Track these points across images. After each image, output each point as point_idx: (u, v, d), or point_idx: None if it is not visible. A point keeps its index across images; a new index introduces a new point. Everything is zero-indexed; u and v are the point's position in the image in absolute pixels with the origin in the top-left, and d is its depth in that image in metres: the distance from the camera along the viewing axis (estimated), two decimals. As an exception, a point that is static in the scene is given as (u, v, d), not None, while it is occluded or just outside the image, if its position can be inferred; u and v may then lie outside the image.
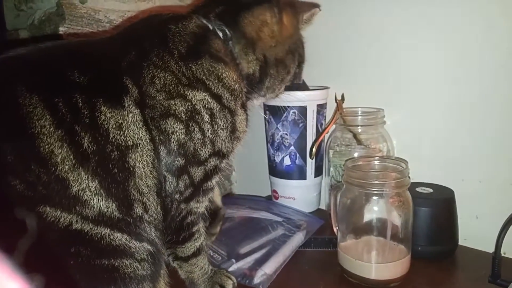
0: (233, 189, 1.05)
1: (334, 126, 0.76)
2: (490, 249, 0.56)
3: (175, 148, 0.46)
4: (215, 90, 0.48)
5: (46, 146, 0.38)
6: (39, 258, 0.36)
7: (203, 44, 0.48)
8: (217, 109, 0.48)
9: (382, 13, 0.73)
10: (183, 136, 0.46)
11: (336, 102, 0.74)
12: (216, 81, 0.48)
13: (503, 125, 0.64)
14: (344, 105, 0.74)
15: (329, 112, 0.80)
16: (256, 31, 0.53)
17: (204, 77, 0.47)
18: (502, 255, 0.56)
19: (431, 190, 0.65)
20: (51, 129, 0.39)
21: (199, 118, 0.47)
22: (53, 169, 0.38)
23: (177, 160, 0.47)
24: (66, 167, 0.39)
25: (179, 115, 0.46)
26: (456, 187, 0.65)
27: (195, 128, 0.47)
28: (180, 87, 0.46)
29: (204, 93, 0.47)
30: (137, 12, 0.80)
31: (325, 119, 0.81)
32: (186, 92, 0.46)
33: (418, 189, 0.65)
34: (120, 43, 0.48)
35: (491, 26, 0.62)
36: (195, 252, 0.52)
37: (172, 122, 0.45)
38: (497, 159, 0.65)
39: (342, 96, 0.76)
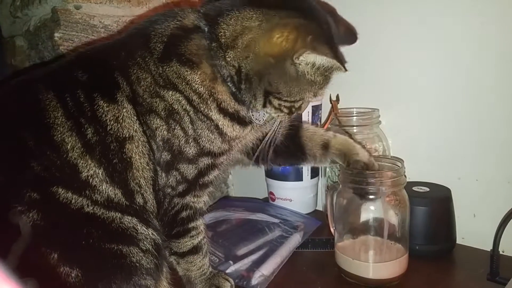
0: (230, 192, 1.05)
1: (329, 126, 0.76)
2: (488, 247, 0.56)
3: (161, 143, 0.48)
4: (185, 92, 0.48)
5: (59, 135, 0.43)
6: (50, 239, 0.41)
7: (175, 46, 0.48)
8: (192, 111, 0.48)
9: (376, 14, 0.73)
10: (166, 132, 0.48)
11: (331, 103, 0.74)
12: (184, 83, 0.48)
13: (499, 123, 0.64)
14: (339, 106, 0.74)
15: (324, 113, 0.80)
16: (232, 37, 0.47)
17: (175, 80, 0.48)
18: (500, 253, 0.55)
19: (427, 189, 0.65)
20: (63, 119, 0.44)
21: (178, 117, 0.48)
22: (64, 155, 0.43)
23: (164, 155, 0.49)
24: (76, 154, 0.43)
25: (159, 112, 0.48)
26: (453, 185, 0.65)
27: (176, 126, 0.48)
28: (157, 88, 0.48)
29: (178, 94, 0.48)
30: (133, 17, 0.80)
31: (320, 120, 0.81)
32: (162, 92, 0.48)
33: (415, 188, 0.65)
34: (117, 44, 0.51)
35: (485, 24, 0.62)
36: (191, 249, 0.52)
37: (154, 118, 0.48)
38: (494, 157, 0.65)
39: (337, 96, 0.76)
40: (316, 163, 0.64)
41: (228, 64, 0.48)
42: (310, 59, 0.46)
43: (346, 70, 0.48)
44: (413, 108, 0.72)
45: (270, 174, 0.83)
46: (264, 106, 0.50)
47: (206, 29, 0.48)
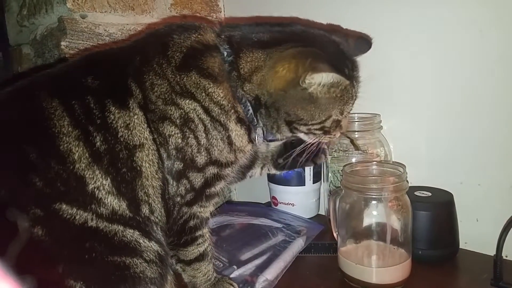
0: (232, 196, 1.05)
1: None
2: (492, 252, 0.56)
3: (174, 152, 0.48)
4: (203, 102, 0.49)
5: (65, 145, 0.42)
6: (54, 254, 0.40)
7: (194, 58, 0.49)
8: (208, 120, 0.49)
9: (376, 19, 0.74)
10: (180, 140, 0.48)
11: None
12: (204, 94, 0.48)
13: (501, 128, 0.64)
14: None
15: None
16: (249, 73, 0.50)
17: (192, 90, 0.48)
18: (504, 257, 0.55)
19: (429, 194, 0.65)
20: (70, 128, 0.42)
21: (193, 125, 0.48)
22: (71, 166, 0.42)
23: (176, 164, 0.49)
24: (83, 165, 0.42)
25: (174, 120, 0.48)
26: (455, 190, 0.65)
27: (190, 135, 0.48)
28: (174, 95, 0.48)
29: (195, 103, 0.48)
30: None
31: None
32: (179, 100, 0.48)
33: (417, 193, 0.65)
34: (131, 49, 0.51)
35: (483, 30, 0.63)
36: (198, 257, 0.53)
37: (168, 126, 0.48)
38: (496, 162, 0.65)
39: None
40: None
41: (245, 93, 0.50)
42: (316, 80, 0.47)
43: (347, 80, 0.50)
44: (415, 113, 0.73)
45: (272, 179, 0.84)
46: (292, 132, 0.53)
47: (225, 53, 0.50)
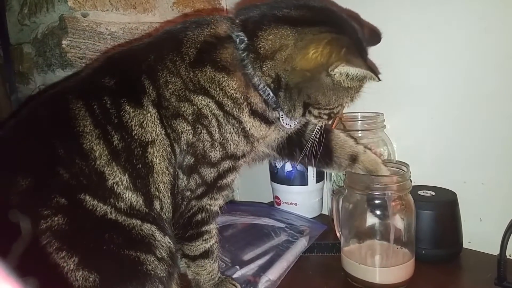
0: (235, 196, 1.05)
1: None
2: (495, 251, 0.56)
3: (185, 147, 0.49)
4: (217, 97, 0.49)
5: (88, 143, 0.45)
6: (72, 243, 0.42)
7: (208, 52, 0.49)
8: (222, 115, 0.49)
9: (380, 17, 0.74)
10: (191, 136, 0.49)
11: (336, 107, 0.74)
12: (218, 89, 0.49)
13: (504, 126, 0.64)
14: (343, 110, 0.74)
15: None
16: (271, 51, 0.48)
17: (207, 85, 0.48)
18: (508, 257, 0.55)
19: (433, 193, 0.65)
20: (91, 127, 0.46)
21: (206, 121, 0.49)
22: (92, 162, 0.45)
23: (187, 159, 0.49)
24: (103, 161, 0.45)
25: (187, 116, 0.48)
26: (459, 189, 0.65)
27: (203, 130, 0.49)
28: (187, 92, 0.48)
29: (208, 99, 0.48)
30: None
31: (325, 125, 0.81)
32: (192, 97, 0.48)
33: (420, 192, 0.65)
34: (146, 47, 0.52)
35: (488, 28, 0.63)
36: (203, 253, 0.53)
37: (181, 122, 0.48)
38: (500, 161, 0.65)
39: (342, 101, 0.76)
40: (339, 171, 0.65)
41: (264, 74, 0.49)
42: (345, 70, 0.47)
43: (379, 80, 0.49)
44: (418, 112, 0.72)
45: (275, 179, 0.83)
46: (303, 115, 0.52)
47: (237, 40, 0.49)
